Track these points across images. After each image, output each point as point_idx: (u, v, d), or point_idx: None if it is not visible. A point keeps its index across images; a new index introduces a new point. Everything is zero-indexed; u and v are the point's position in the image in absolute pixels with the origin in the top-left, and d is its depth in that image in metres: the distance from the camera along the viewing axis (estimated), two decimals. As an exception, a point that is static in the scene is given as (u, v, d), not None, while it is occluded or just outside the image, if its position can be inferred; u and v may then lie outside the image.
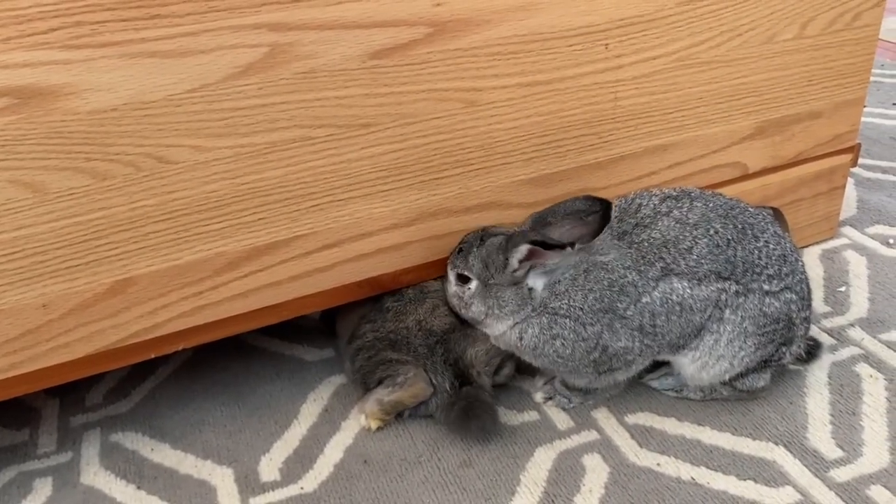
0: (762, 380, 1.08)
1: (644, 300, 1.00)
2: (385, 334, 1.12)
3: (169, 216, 0.95)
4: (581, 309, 1.00)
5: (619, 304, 1.00)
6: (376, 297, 1.16)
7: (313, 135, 0.98)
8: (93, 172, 0.89)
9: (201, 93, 0.90)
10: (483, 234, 1.07)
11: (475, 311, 1.05)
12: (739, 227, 1.04)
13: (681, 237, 1.02)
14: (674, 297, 1.00)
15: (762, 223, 1.06)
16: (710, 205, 1.06)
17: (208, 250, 0.99)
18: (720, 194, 1.10)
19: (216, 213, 0.97)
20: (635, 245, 1.03)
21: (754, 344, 1.02)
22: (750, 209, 1.07)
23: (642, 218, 1.05)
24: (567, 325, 1.00)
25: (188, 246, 0.98)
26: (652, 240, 1.03)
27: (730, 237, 1.02)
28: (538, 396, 1.14)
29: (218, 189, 0.96)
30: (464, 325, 1.11)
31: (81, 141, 0.87)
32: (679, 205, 1.06)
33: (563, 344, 1.01)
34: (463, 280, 1.06)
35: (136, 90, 0.87)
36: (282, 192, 1.00)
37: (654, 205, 1.06)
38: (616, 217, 1.06)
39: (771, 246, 1.04)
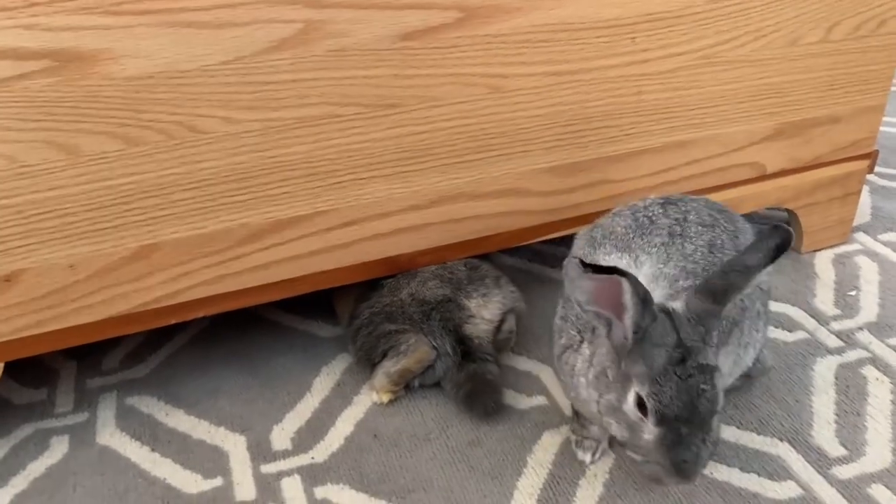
0: (769, 358, 1.09)
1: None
2: (381, 309, 1.15)
3: (196, 185, 0.97)
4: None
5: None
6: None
7: (341, 112, 0.99)
8: (125, 138, 0.91)
9: (235, 65, 0.92)
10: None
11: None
12: (714, 214, 1.02)
13: (713, 239, 0.97)
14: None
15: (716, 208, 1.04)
16: (692, 203, 1.03)
17: (232, 221, 1.01)
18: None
19: (242, 184, 0.99)
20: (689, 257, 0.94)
21: (764, 323, 1.03)
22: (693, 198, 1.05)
23: (674, 227, 0.98)
24: None
25: (213, 215, 1.00)
26: (700, 249, 0.95)
27: (713, 223, 1.00)
28: None
29: (245, 161, 0.98)
30: (456, 294, 1.13)
31: (116, 106, 0.89)
32: (684, 208, 1.01)
33: None
34: None
35: (171, 59, 0.89)
36: (307, 168, 1.01)
37: (664, 212, 1.00)
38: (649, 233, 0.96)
39: (739, 224, 1.03)
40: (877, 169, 1.72)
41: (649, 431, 0.77)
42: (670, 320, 0.77)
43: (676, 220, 0.98)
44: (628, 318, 0.76)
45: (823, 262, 1.43)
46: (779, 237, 0.81)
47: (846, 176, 1.39)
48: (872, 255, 1.44)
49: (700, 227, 0.97)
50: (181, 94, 0.91)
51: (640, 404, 0.76)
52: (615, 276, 0.74)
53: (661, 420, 0.75)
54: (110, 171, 0.92)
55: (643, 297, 0.75)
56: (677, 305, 0.80)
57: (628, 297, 0.75)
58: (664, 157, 1.23)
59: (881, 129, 1.88)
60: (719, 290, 0.79)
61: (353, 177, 1.05)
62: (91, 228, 0.95)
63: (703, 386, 0.75)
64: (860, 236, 1.50)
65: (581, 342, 0.87)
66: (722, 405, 0.78)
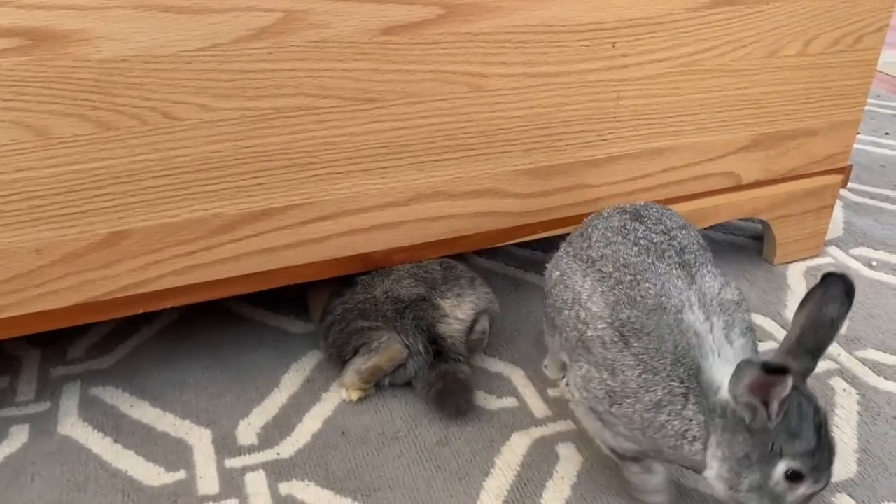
0: None
1: None
2: (354, 305, 1.14)
3: (169, 172, 0.96)
4: None
5: None
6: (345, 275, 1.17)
7: (319, 105, 0.99)
8: (98, 121, 0.90)
9: (212, 52, 0.91)
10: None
11: None
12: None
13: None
14: None
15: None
16: (655, 213, 1.04)
17: (205, 210, 1.00)
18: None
19: (216, 173, 0.98)
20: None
21: (754, 337, 1.04)
22: None
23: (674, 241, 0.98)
24: None
25: (186, 204, 0.98)
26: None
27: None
28: None
29: (220, 150, 0.97)
30: (430, 294, 1.13)
31: (89, 89, 0.88)
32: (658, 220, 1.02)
33: None
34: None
35: (147, 43, 0.88)
36: (283, 159, 1.00)
37: (663, 219, 1.01)
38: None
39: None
40: (850, 185, 1.74)
41: (798, 496, 0.81)
42: (797, 390, 0.79)
43: (664, 237, 0.98)
44: (776, 404, 0.78)
45: (796, 275, 1.44)
46: (842, 283, 0.84)
47: (820, 189, 1.41)
48: (844, 269, 1.45)
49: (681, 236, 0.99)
50: (156, 79, 0.90)
51: (791, 476, 0.80)
52: (783, 376, 0.75)
53: (817, 479, 0.81)
54: (81, 154, 0.91)
55: (792, 384, 0.77)
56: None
57: (783, 388, 0.76)
58: (641, 163, 1.23)
59: (856, 147, 1.91)
60: (813, 348, 0.83)
61: (330, 170, 1.04)
62: (59, 213, 0.93)
63: (824, 428, 0.81)
64: (833, 250, 1.52)
65: (686, 400, 0.84)
66: None
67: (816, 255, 1.49)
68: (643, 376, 0.85)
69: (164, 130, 0.93)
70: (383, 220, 1.11)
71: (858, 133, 1.94)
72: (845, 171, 1.42)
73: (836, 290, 0.84)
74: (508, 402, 1.13)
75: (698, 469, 0.85)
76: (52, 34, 0.84)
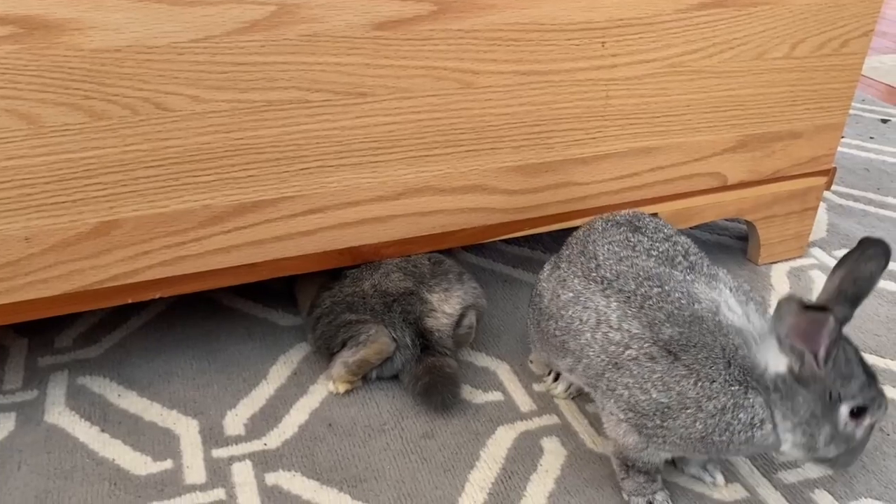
0: None
1: None
2: (342, 298, 1.14)
3: (160, 163, 0.96)
4: None
5: None
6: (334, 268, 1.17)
7: (310, 98, 0.99)
8: (90, 111, 0.90)
9: (205, 44, 0.91)
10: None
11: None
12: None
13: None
14: None
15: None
16: (651, 223, 1.07)
17: (195, 201, 1.00)
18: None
19: (207, 165, 0.98)
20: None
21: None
22: None
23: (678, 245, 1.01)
24: None
25: (176, 195, 0.99)
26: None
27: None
28: None
29: (211, 141, 0.97)
30: (418, 288, 1.13)
31: (81, 78, 0.88)
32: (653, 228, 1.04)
33: None
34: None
35: (140, 33, 0.88)
36: (273, 152, 1.01)
37: (652, 238, 1.02)
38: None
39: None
40: (834, 187, 1.77)
41: (865, 427, 0.86)
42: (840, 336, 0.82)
43: (668, 244, 1.00)
44: (824, 349, 0.81)
45: (779, 275, 1.46)
46: (881, 245, 0.87)
47: (805, 191, 1.43)
48: (826, 270, 1.47)
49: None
50: (148, 69, 0.90)
51: (855, 413, 0.84)
52: (825, 313, 0.78)
53: (871, 406, 0.85)
54: (72, 143, 0.91)
55: (839, 328, 0.80)
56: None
57: (828, 331, 0.79)
58: (628, 162, 1.24)
59: (841, 150, 1.93)
60: (853, 297, 0.87)
61: (321, 164, 1.04)
62: (49, 201, 0.93)
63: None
64: (816, 251, 1.54)
65: (746, 393, 0.85)
66: None
67: (800, 256, 1.51)
68: (700, 385, 0.86)
69: (155, 121, 0.93)
70: (373, 215, 1.12)
71: (843, 136, 1.97)
72: (829, 174, 1.43)
73: (874, 251, 0.87)
74: (494, 396, 1.14)
75: (775, 448, 0.88)
76: (45, 23, 0.84)
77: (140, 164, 0.95)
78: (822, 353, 0.81)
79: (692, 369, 0.86)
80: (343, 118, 1.02)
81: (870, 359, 1.22)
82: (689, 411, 0.86)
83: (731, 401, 0.85)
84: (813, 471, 1.03)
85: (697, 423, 0.86)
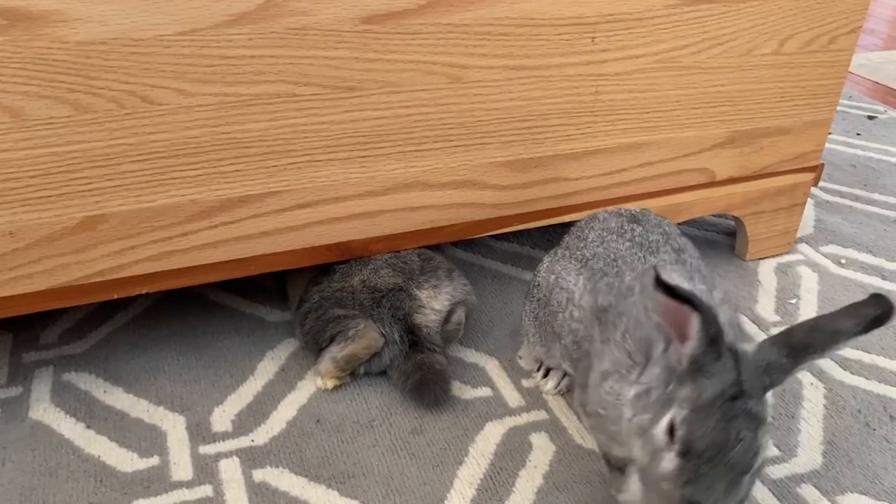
0: None
1: None
2: (331, 293, 1.14)
3: (146, 157, 0.95)
4: None
5: None
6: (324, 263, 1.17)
7: (298, 92, 0.99)
8: (75, 104, 0.89)
9: (192, 37, 0.90)
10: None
11: None
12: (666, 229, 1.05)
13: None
14: None
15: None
16: (653, 220, 1.06)
17: (182, 196, 0.99)
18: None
19: (194, 159, 0.97)
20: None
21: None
22: None
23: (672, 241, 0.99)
24: None
25: (163, 189, 0.98)
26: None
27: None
28: None
29: (198, 135, 0.96)
30: (407, 284, 1.13)
31: (66, 71, 0.87)
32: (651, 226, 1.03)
33: None
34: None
35: (126, 26, 0.87)
36: (261, 146, 1.00)
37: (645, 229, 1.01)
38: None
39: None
40: (821, 184, 1.77)
41: (670, 461, 0.71)
42: (734, 360, 0.72)
43: (662, 237, 0.99)
44: (688, 349, 0.72)
45: (767, 271, 1.47)
46: (878, 307, 0.74)
47: (792, 187, 1.43)
48: (814, 266, 1.48)
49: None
50: (134, 62, 0.89)
51: (672, 431, 0.72)
52: (686, 307, 0.70)
53: (686, 451, 0.70)
54: (57, 137, 0.90)
55: (713, 335, 0.71)
56: (749, 349, 0.75)
57: (695, 331, 0.71)
58: (618, 157, 1.24)
59: (828, 146, 1.94)
60: (798, 345, 0.73)
61: (309, 158, 1.04)
62: (34, 195, 0.92)
63: (744, 432, 0.70)
64: (803, 247, 1.54)
65: (631, 366, 0.80)
66: (760, 465, 0.73)
67: (787, 252, 1.52)
68: (598, 347, 0.86)
69: (141, 115, 0.92)
70: (362, 210, 1.11)
71: (830, 133, 1.97)
72: (817, 170, 1.44)
73: (867, 311, 0.74)
74: (483, 391, 1.14)
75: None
76: (28, 14, 0.83)
77: (126, 158, 0.94)
78: (686, 351, 0.71)
79: (607, 324, 0.85)
80: (331, 112, 1.02)
81: (855, 354, 1.23)
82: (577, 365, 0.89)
83: (615, 369, 0.81)
84: (800, 466, 1.03)
85: (587, 387, 0.85)
